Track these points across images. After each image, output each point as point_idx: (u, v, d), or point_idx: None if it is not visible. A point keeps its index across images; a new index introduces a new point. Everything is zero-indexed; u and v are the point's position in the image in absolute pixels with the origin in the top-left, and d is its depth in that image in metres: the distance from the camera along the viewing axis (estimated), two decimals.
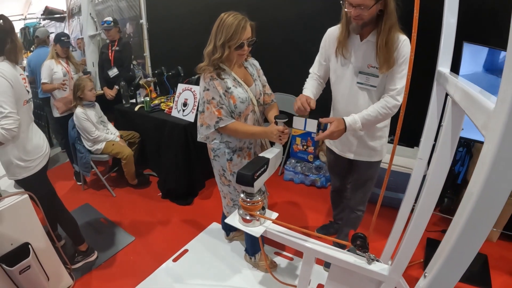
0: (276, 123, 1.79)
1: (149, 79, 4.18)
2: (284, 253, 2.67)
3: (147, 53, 5.17)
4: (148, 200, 3.44)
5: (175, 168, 3.34)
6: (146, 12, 4.97)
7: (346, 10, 1.72)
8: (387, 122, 2.04)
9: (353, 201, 2.31)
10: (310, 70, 2.15)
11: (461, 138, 2.43)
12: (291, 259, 2.61)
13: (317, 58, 2.11)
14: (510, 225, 2.74)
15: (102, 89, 4.27)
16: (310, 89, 2.04)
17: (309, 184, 3.70)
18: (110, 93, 4.08)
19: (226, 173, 2.03)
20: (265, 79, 2.13)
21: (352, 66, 1.90)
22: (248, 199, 1.55)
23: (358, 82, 1.90)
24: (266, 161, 1.56)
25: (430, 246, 2.71)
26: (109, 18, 4.03)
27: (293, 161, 3.75)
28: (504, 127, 0.56)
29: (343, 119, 1.82)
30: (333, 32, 1.97)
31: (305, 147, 3.56)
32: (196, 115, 1.96)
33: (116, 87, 4.04)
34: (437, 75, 1.36)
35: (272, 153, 1.67)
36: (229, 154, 1.97)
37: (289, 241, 1.63)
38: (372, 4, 1.64)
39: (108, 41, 4.24)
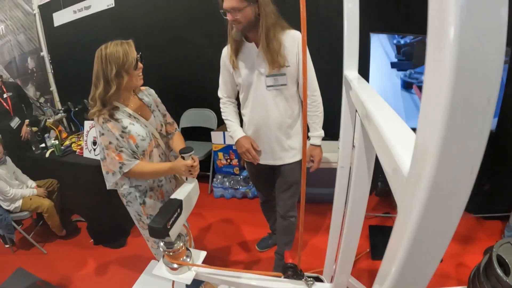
0: (183, 157, 1.67)
1: (57, 116, 3.85)
2: None
3: (53, 87, 4.85)
4: (80, 250, 3.18)
5: (99, 211, 3.13)
6: (47, 44, 4.66)
7: (225, 18, 1.75)
8: (299, 120, 2.06)
9: (282, 208, 2.26)
10: (220, 95, 2.12)
11: None
12: None
13: (220, 80, 2.08)
14: None
15: None
16: (238, 124, 2.11)
17: (240, 197, 3.63)
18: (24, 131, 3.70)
19: (142, 217, 1.88)
20: (165, 108, 2.00)
21: (256, 72, 1.89)
22: (169, 249, 1.43)
23: (268, 86, 1.89)
24: (178, 204, 1.44)
25: (373, 232, 2.74)
26: None
27: (220, 176, 3.64)
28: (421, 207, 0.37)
29: (312, 145, 2.04)
30: (227, 51, 1.96)
31: (228, 160, 3.47)
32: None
33: (27, 121, 3.68)
34: (345, 81, 1.30)
35: (184, 192, 1.55)
36: (140, 198, 1.82)
37: (222, 281, 1.53)
38: (244, 6, 1.67)
39: None
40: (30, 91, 5.15)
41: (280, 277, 1.48)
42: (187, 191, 1.53)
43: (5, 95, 3.73)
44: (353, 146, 1.09)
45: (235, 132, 2.08)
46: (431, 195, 0.36)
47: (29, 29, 4.86)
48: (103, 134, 1.65)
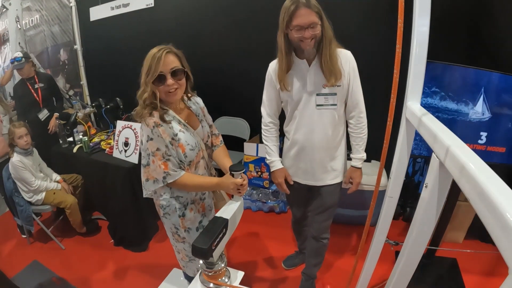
0: (232, 175, 1.58)
1: (87, 110, 3.81)
2: None
3: (84, 81, 4.85)
4: (100, 250, 3.13)
5: (123, 213, 3.06)
6: (81, 37, 4.67)
7: (296, 36, 1.65)
8: (343, 141, 2.00)
9: (316, 230, 2.18)
10: (263, 112, 2.04)
11: (416, 156, 2.40)
12: None
13: (264, 96, 2.00)
14: (473, 227, 2.77)
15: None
16: (277, 152, 2.06)
17: (267, 211, 3.53)
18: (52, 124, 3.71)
19: (179, 230, 1.78)
20: (211, 118, 1.92)
21: (306, 90, 1.82)
22: (209, 269, 1.37)
23: (318, 105, 1.82)
24: (224, 223, 1.37)
25: None
26: (19, 54, 3.60)
27: (249, 188, 3.53)
28: None
29: (352, 166, 1.98)
30: (275, 66, 1.89)
31: (259, 173, 3.38)
32: (140, 155, 1.67)
33: (56, 114, 3.69)
34: (408, 113, 1.24)
35: (231, 211, 1.47)
36: (180, 210, 1.72)
37: None
38: (318, 20, 1.63)
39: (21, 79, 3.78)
40: (60, 82, 5.17)
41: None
42: (233, 210, 1.46)
43: (36, 86, 3.74)
44: (426, 185, 1.00)
45: (272, 163, 2.07)
46: None
47: (64, 21, 4.87)
48: (151, 139, 1.55)
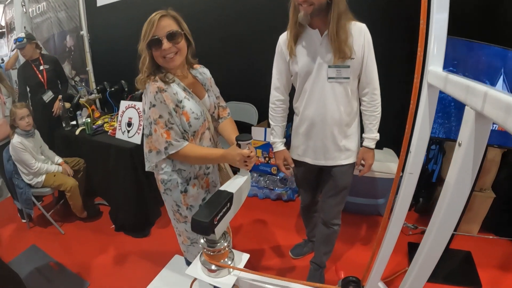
0: (239, 145, 1.46)
1: (92, 96, 3.76)
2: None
3: (89, 67, 4.78)
4: (100, 235, 3.04)
5: (125, 198, 2.97)
6: (87, 23, 4.59)
7: None
8: (357, 119, 1.89)
9: (327, 214, 2.07)
10: (273, 87, 1.95)
11: (433, 138, 2.27)
12: None
13: (274, 69, 1.90)
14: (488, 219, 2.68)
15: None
16: (281, 134, 1.99)
17: (275, 199, 3.41)
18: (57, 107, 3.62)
19: (181, 208, 1.68)
20: (218, 90, 1.84)
21: (317, 62, 1.72)
22: (211, 248, 1.26)
23: (329, 78, 1.72)
24: (228, 197, 1.26)
25: (413, 250, 2.53)
26: (21, 34, 3.55)
27: (255, 175, 3.43)
28: None
29: (365, 147, 1.88)
30: (285, 37, 1.80)
31: (267, 159, 3.25)
32: (143, 135, 1.59)
33: (60, 96, 3.60)
34: (431, 77, 1.13)
35: (236, 185, 1.36)
36: (182, 185, 1.62)
37: None
38: None
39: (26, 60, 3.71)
40: (66, 69, 5.09)
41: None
42: (239, 184, 1.35)
43: (41, 67, 3.68)
44: (459, 144, 0.88)
45: (274, 144, 2.01)
46: None
47: (71, 7, 4.80)
48: (154, 105, 1.47)
